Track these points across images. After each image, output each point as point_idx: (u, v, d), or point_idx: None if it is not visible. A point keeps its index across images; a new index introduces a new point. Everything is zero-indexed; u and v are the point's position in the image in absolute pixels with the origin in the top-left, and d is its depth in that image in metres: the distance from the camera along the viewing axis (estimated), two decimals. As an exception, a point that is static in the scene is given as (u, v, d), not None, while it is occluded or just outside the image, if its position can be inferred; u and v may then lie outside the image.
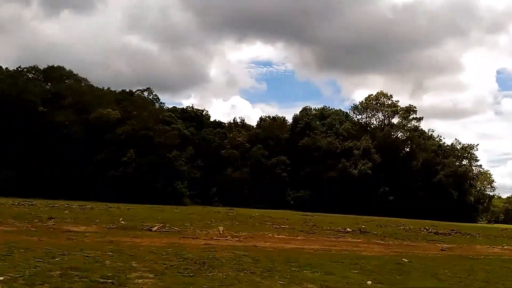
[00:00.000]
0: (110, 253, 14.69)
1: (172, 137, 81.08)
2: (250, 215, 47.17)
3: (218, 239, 22.01)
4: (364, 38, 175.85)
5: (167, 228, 25.79)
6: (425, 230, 39.48)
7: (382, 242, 26.85)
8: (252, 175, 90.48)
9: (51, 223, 24.63)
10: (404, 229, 39.92)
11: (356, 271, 14.39)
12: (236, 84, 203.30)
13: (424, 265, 17.36)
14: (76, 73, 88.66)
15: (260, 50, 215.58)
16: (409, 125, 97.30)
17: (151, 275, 11.45)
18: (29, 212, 31.11)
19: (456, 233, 38.60)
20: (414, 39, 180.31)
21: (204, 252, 16.51)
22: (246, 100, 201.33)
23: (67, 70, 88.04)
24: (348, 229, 33.17)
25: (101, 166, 75.97)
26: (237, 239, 22.77)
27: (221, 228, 27.31)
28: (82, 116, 77.76)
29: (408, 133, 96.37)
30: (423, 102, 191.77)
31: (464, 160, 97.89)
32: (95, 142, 77.14)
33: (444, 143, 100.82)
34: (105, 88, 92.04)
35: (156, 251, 16.06)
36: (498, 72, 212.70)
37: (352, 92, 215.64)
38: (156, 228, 25.35)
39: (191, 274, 11.84)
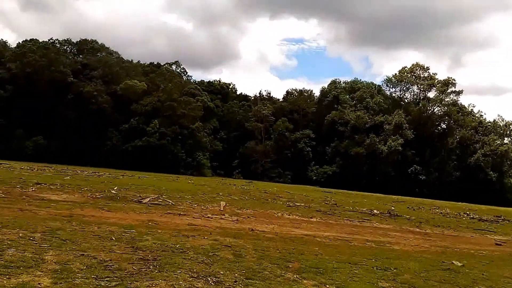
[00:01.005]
0: (38, 235, 10.29)
1: (196, 109, 77.04)
2: (267, 189, 43.02)
3: (211, 218, 17.38)
4: (401, 13, 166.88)
5: (160, 200, 21.43)
6: (465, 215, 33.98)
7: (418, 230, 21.73)
8: (276, 149, 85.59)
9: (31, 190, 20.64)
10: (441, 213, 34.37)
11: (386, 285, 9.21)
12: (267, 61, 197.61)
13: (486, 272, 11.85)
14: (107, 47, 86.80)
15: (293, 26, 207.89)
16: (447, 99, 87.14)
17: (44, 283, 6.77)
18: (20, 177, 27.12)
19: (503, 220, 32.77)
20: (455, 13, 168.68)
21: (176, 237, 11.85)
22: (276, 76, 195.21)
23: (100, 43, 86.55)
24: (375, 211, 28.07)
25: (126, 135, 73.62)
26: (235, 218, 18.15)
27: (223, 203, 22.86)
28: (110, 87, 75.71)
29: (446, 108, 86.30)
30: (460, 78, 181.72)
31: (506, 138, 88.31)
32: (122, 112, 75.30)
33: (485, 119, 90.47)
34: (135, 61, 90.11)
35: (108, 233, 11.43)
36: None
37: (385, 68, 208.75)
38: (148, 199, 21.21)
39: (113, 284, 7.12)
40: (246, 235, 13.71)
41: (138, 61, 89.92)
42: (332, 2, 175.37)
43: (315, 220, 21.26)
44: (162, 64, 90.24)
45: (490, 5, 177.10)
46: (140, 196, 22.17)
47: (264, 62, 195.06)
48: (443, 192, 74.19)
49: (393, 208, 32.93)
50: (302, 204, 28.32)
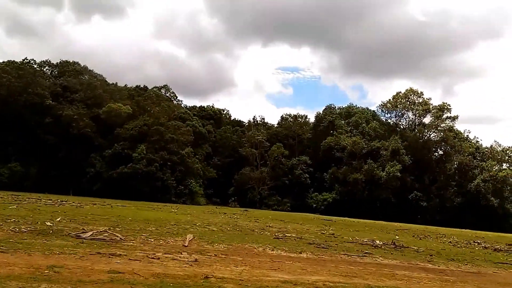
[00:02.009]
0: None
1: (186, 134, 72.13)
2: (260, 218, 38.45)
3: (158, 259, 12.56)
4: (393, 42, 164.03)
5: (107, 234, 16.77)
6: (476, 244, 29.17)
7: (431, 265, 17.07)
8: (272, 175, 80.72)
9: None
10: (450, 242, 29.46)
11: None
12: (263, 89, 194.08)
13: None
14: (91, 69, 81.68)
15: (287, 54, 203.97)
16: (442, 125, 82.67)
17: None
18: None
19: (520, 250, 27.96)
20: (446, 42, 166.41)
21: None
22: (273, 104, 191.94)
23: (82, 65, 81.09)
24: (378, 242, 23.27)
25: (111, 161, 67.95)
26: (195, 257, 13.30)
27: (190, 237, 18.16)
28: (93, 110, 70.29)
29: (442, 134, 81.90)
30: (453, 107, 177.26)
31: (505, 164, 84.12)
32: (105, 137, 70.02)
33: (482, 145, 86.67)
34: (122, 84, 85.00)
35: None
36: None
37: (379, 96, 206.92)
38: (90, 234, 16.61)
39: None
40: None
41: (125, 85, 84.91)
42: (323, 30, 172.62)
43: (304, 256, 16.65)
44: (150, 87, 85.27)
45: (481, 33, 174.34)
46: (83, 229, 17.51)
47: (260, 90, 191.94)
48: (445, 218, 70.08)
49: (397, 237, 28.18)
50: (293, 235, 23.56)
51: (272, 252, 16.78)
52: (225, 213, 42.29)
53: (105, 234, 16.67)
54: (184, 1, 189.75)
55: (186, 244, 16.53)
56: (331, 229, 30.94)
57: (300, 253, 17.17)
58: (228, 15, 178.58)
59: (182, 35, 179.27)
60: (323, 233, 27.14)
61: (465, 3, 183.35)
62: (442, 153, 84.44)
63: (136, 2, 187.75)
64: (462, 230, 52.90)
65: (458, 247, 26.56)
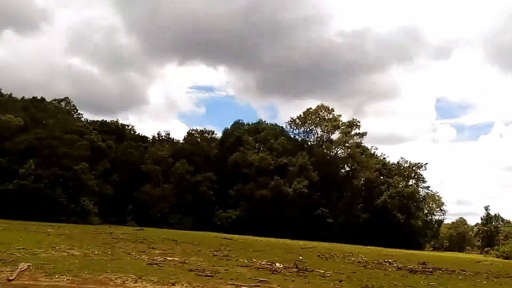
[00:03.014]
0: None
1: (82, 149, 65.21)
2: (150, 237, 33.84)
3: None
4: (307, 63, 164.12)
5: None
6: (387, 264, 26.27)
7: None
8: (175, 193, 75.51)
9: None
10: (360, 262, 26.27)
11: None
12: (176, 108, 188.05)
13: None
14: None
15: (202, 73, 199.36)
16: (350, 141, 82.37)
17: None
18: None
19: (433, 269, 25.26)
20: (359, 64, 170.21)
21: None
22: (185, 124, 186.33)
23: None
24: (278, 265, 19.54)
25: (-6, 178, 59.80)
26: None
27: (22, 266, 13.46)
28: (-20, 123, 61.99)
29: (349, 150, 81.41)
30: (362, 127, 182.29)
31: (411, 180, 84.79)
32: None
33: (388, 162, 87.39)
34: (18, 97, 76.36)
35: None
36: (438, 100, 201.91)
37: (291, 115, 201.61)
38: None
39: None
40: None
41: (23, 97, 76.94)
42: (240, 50, 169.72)
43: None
44: (48, 100, 77.65)
45: (393, 56, 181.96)
46: None
47: (172, 109, 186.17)
48: (351, 235, 68.98)
49: (301, 258, 24.60)
50: (177, 259, 19.22)
51: (134, 285, 12.36)
52: (111, 233, 37.00)
53: None
54: (101, 18, 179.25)
55: (12, 277, 11.78)
56: (228, 250, 26.85)
57: (173, 284, 12.91)
58: (145, 33, 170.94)
59: (97, 52, 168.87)
60: (215, 255, 22.92)
61: (381, 26, 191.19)
62: (349, 169, 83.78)
63: (51, 17, 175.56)
64: (369, 247, 50.91)
65: (370, 268, 23.37)
